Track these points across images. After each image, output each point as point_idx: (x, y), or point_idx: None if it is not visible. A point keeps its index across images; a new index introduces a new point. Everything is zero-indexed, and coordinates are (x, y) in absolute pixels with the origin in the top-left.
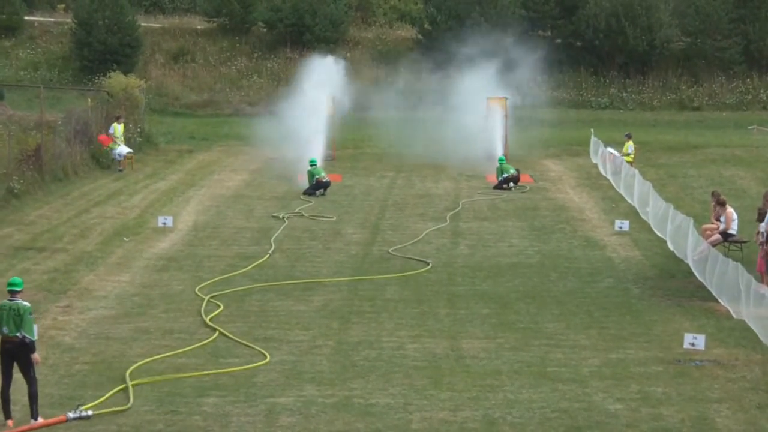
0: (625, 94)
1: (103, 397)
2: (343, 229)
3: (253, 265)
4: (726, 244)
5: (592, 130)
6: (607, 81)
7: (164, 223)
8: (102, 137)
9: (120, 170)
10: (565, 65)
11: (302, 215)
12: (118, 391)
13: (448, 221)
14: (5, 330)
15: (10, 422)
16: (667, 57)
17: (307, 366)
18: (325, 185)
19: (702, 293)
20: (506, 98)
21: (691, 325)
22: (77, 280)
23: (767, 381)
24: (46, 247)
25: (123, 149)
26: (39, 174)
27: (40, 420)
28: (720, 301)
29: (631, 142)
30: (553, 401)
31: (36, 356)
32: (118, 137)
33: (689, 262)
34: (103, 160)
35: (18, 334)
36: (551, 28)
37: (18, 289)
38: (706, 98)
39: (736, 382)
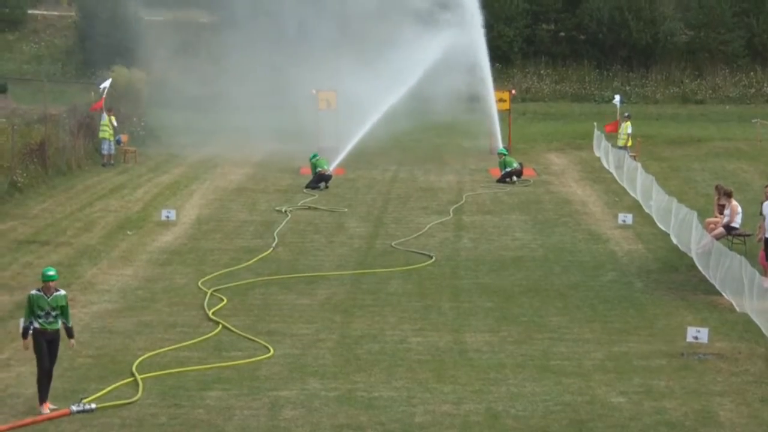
0: (628, 88)
1: (106, 390)
2: (346, 222)
3: (257, 258)
4: (729, 237)
5: (595, 123)
6: (611, 74)
7: (167, 217)
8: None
9: (104, 164)
10: (569, 59)
11: (316, 208)
12: (124, 384)
13: (451, 215)
14: (46, 324)
15: (47, 407)
16: (671, 50)
17: (310, 359)
18: (327, 178)
19: (705, 287)
20: (511, 91)
21: (694, 318)
22: (80, 273)
23: None
24: (49, 240)
25: (110, 146)
26: (42, 168)
27: (46, 412)
28: (723, 294)
29: (629, 123)
30: (556, 394)
31: (73, 341)
32: (106, 127)
33: (693, 255)
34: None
35: (58, 326)
36: (555, 22)
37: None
38: (710, 92)
39: (740, 376)
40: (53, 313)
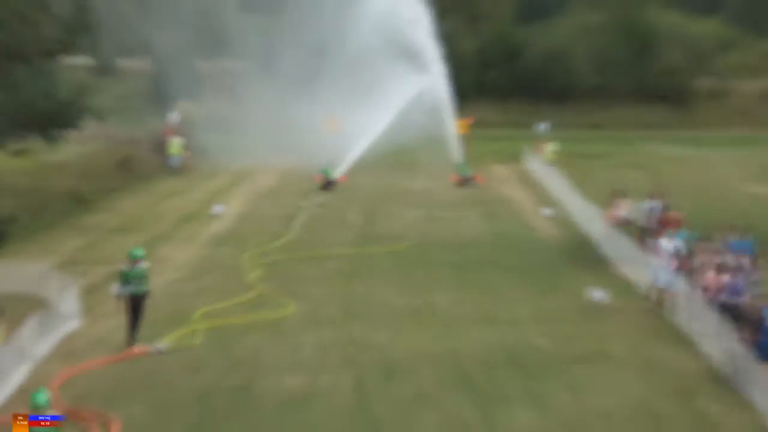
0: (553, 118)
1: (174, 335)
2: (347, 216)
3: (283, 241)
4: (623, 226)
5: (525, 145)
6: (540, 108)
7: (217, 211)
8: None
9: (171, 173)
10: (510, 96)
11: (324, 207)
12: (187, 332)
13: (424, 210)
14: (134, 289)
15: (135, 349)
16: (584, 89)
17: (322, 313)
18: (333, 183)
19: (606, 261)
20: (470, 120)
21: (598, 283)
22: (156, 251)
23: (653, 324)
24: (133, 228)
25: (176, 160)
26: (128, 176)
27: (135, 349)
28: (619, 267)
29: (553, 143)
30: (498, 337)
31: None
32: (173, 148)
33: (596, 239)
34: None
35: (144, 289)
36: (499, 69)
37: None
38: (612, 120)
39: (630, 324)
40: (140, 281)
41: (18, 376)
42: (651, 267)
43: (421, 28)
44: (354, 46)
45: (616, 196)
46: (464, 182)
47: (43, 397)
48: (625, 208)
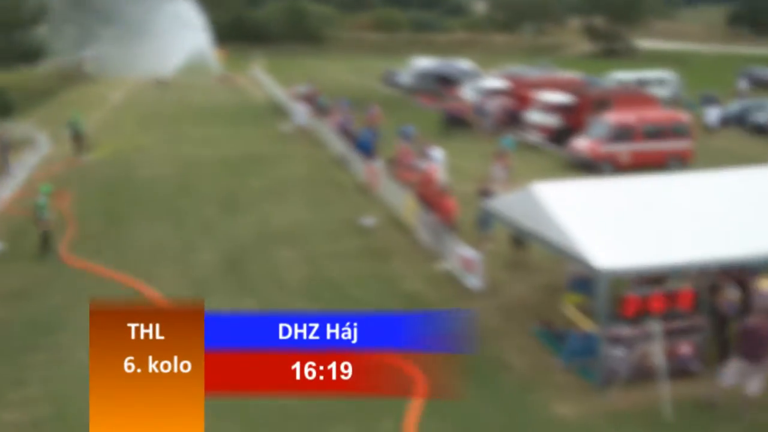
0: (263, 50)
1: (95, 153)
2: (170, 95)
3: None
4: (297, 97)
5: (251, 63)
6: (257, 45)
7: (113, 97)
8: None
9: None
10: (243, 40)
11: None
12: (101, 152)
13: (203, 95)
14: (76, 130)
15: (78, 159)
16: (276, 37)
17: (163, 140)
18: (164, 84)
19: (287, 114)
20: (225, 52)
21: (284, 123)
22: (86, 115)
23: (309, 140)
24: (74, 104)
25: (92, 76)
26: (71, 83)
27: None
28: (293, 117)
29: (263, 60)
30: (243, 148)
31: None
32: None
33: (283, 104)
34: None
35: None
36: (239, 28)
37: None
38: (288, 51)
39: (300, 141)
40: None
41: (22, 175)
42: (299, 116)
43: (192, 14)
44: (164, 24)
45: (294, 83)
46: (223, 80)
47: (48, 186)
48: (298, 88)
